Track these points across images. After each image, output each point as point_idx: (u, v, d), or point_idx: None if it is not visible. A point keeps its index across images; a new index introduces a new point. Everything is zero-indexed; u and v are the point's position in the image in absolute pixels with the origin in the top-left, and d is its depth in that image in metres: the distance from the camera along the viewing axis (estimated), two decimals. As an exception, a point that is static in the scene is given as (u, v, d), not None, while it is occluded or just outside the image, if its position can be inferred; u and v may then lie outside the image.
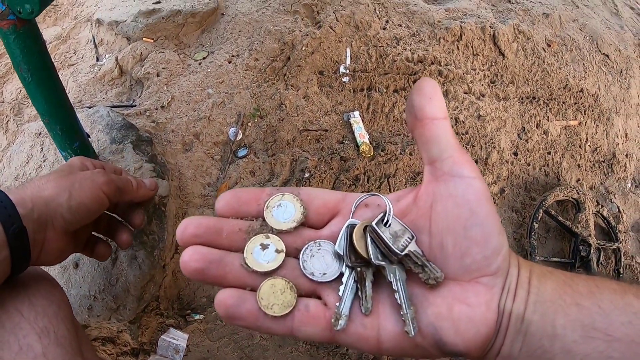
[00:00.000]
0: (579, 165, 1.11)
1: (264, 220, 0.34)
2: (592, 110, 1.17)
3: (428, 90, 0.32)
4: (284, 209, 0.34)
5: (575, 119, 1.14)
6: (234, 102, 1.05)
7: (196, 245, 0.32)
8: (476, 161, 0.99)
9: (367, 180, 0.92)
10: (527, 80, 1.11)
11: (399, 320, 0.31)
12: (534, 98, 1.10)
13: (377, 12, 1.12)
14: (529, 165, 1.03)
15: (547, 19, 1.27)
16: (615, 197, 1.14)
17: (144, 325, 0.86)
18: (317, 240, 0.34)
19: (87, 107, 1.18)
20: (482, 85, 1.05)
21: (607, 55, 1.29)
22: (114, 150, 0.91)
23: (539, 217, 0.97)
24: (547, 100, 1.11)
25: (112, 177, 0.51)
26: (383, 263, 0.32)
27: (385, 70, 1.01)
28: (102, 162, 0.56)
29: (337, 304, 0.31)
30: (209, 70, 1.12)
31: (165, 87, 1.13)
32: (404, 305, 0.31)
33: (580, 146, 1.12)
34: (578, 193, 1.04)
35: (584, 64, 1.22)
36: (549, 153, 1.07)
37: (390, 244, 0.32)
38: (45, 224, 0.45)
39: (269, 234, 0.33)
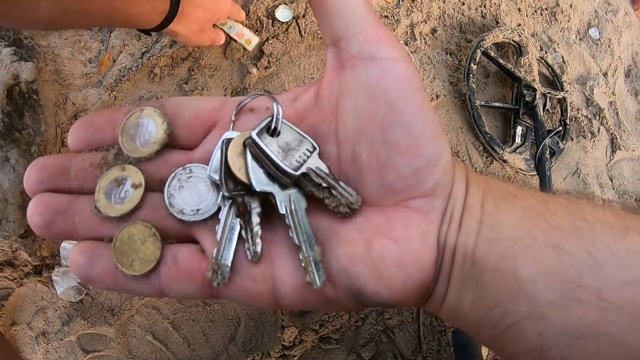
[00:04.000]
0: (519, 10, 0.99)
1: (120, 148, 0.26)
2: (533, -47, 1.04)
3: None
4: (143, 129, 0.26)
5: (514, -41, 1.01)
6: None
7: (41, 194, 0.24)
8: (402, -3, 0.85)
9: (272, 23, 0.77)
10: None
11: (299, 266, 0.22)
12: None
13: None
14: (463, 4, 0.91)
15: None
16: (558, 47, 1.04)
17: (39, 238, 0.73)
18: (187, 166, 0.25)
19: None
20: None
21: None
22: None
23: (477, 58, 0.85)
24: (482, -64, 0.97)
25: (234, 5, 0.70)
26: (269, 189, 0.23)
27: None
28: None
29: (214, 250, 0.23)
30: None
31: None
32: (304, 245, 0.22)
33: (520, -11, 1.00)
34: (520, 36, 0.93)
35: None
36: (486, -8, 0.94)
37: (278, 161, 0.23)
38: (196, 6, 0.60)
39: (126, 165, 0.25)
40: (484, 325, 0.21)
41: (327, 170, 0.24)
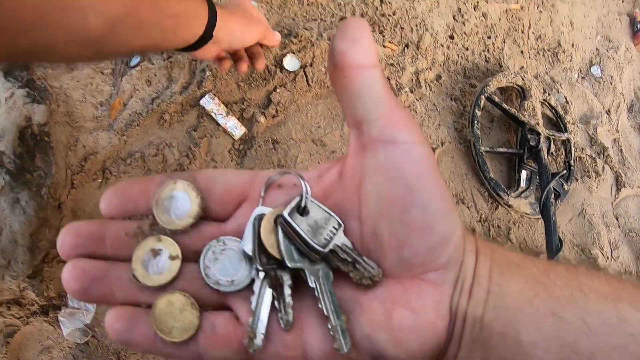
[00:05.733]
0: (522, 52, 1.00)
1: (154, 218, 0.27)
2: (535, -5, 1.06)
3: (353, 31, 0.24)
4: (177, 201, 0.27)
5: (517, 3, 1.02)
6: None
7: (77, 259, 0.26)
8: (407, 45, 0.86)
9: (280, 72, 0.78)
10: (462, -40, 0.98)
11: (327, 334, 0.25)
12: (469, -22, 0.98)
13: None
14: (467, 50, 0.92)
15: None
16: (561, 87, 1.05)
17: (47, 278, 0.74)
18: (221, 238, 0.27)
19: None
20: (410, -38, 0.92)
21: (549, -60, 1.18)
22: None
23: (482, 104, 0.86)
24: (485, -19, 0.99)
25: (267, 29, 0.63)
26: (300, 265, 0.26)
27: (295, -53, 0.86)
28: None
29: (250, 319, 0.25)
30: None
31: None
32: (331, 315, 0.25)
33: (523, 32, 1.01)
34: (523, 79, 0.94)
35: (524, -53, 1.10)
36: (489, 37, 0.95)
37: (308, 239, 0.25)
38: (216, 40, 0.55)
39: (161, 236, 0.27)
40: None
41: (351, 246, 0.25)
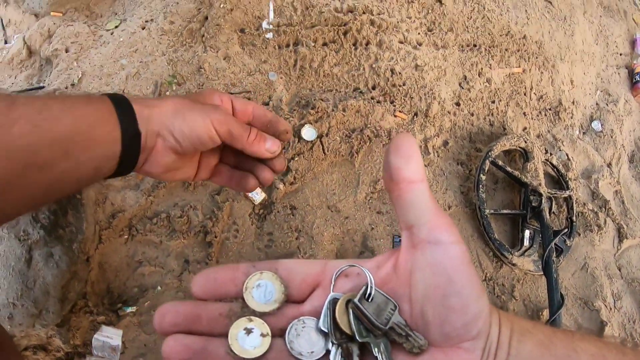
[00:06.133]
0: (524, 114, 1.06)
1: (244, 302, 0.33)
2: (536, 57, 1.13)
3: (405, 149, 0.31)
4: (263, 288, 0.34)
5: (519, 67, 1.09)
6: (149, 71, 0.94)
7: (176, 335, 0.31)
8: (416, 114, 0.93)
9: (298, 142, 0.84)
10: (467, 28, 1.05)
11: None
12: (474, 46, 1.04)
13: (302, -37, 1.02)
14: (472, 115, 0.98)
15: (486, -34, 1.21)
16: (563, 145, 1.11)
17: (74, 327, 0.80)
18: (301, 318, 0.34)
19: (-9, 93, 1.06)
20: (419, 33, 0.98)
21: (550, 2, 1.25)
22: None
23: (486, 168, 0.92)
24: (489, 47, 1.06)
25: (229, 119, 0.48)
26: (367, 339, 0.33)
27: (312, 22, 0.93)
28: (232, 96, 0.52)
29: None
30: (121, 39, 1.01)
31: (75, 63, 1.01)
32: None
33: (525, 94, 1.07)
34: (525, 142, 1.00)
35: (526, 10, 1.17)
36: (493, 102, 1.01)
37: (373, 320, 0.32)
38: (158, 135, 0.44)
39: (252, 317, 0.33)
40: None
41: (404, 323, 0.33)
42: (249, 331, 0.32)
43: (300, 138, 0.85)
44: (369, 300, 0.33)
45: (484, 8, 1.08)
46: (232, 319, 0.33)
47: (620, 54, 1.41)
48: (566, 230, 1.00)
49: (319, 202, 0.83)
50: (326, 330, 0.33)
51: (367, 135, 0.86)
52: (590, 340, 0.32)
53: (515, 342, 0.32)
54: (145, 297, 0.86)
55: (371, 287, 0.33)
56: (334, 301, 0.33)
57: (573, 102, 1.18)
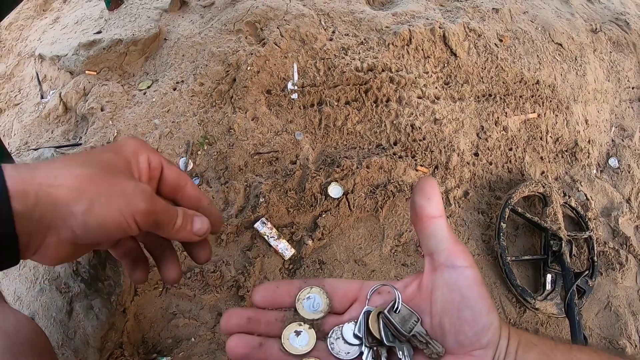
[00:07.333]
0: (542, 158, 1.09)
1: (295, 310, 0.42)
2: (550, 101, 1.16)
3: (428, 190, 0.38)
4: (312, 300, 0.42)
5: (534, 112, 1.12)
6: (181, 130, 1.00)
7: (239, 334, 0.40)
8: (436, 167, 0.97)
9: (325, 199, 0.89)
10: (482, 78, 1.09)
11: None
12: (490, 95, 1.09)
13: (323, 23, 1.09)
14: (491, 164, 1.01)
15: (497, 13, 1.26)
16: (581, 185, 1.13)
17: None
18: (341, 325, 0.41)
19: (33, 149, 1.13)
20: (436, 87, 1.03)
21: (561, 44, 1.29)
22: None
23: (506, 216, 0.95)
24: (504, 96, 1.10)
25: (156, 208, 0.38)
26: (394, 344, 0.39)
27: (334, 82, 0.98)
28: (162, 158, 0.42)
29: None
30: (154, 99, 1.08)
31: (110, 122, 1.08)
32: None
33: (541, 138, 1.11)
34: (544, 187, 1.02)
35: (538, 56, 1.21)
36: (511, 149, 1.05)
37: (399, 328, 0.39)
38: (48, 229, 0.34)
39: (302, 322, 0.41)
40: None
41: (425, 332, 0.39)
42: (298, 333, 0.41)
43: (327, 195, 0.90)
44: (397, 312, 0.40)
45: (497, 57, 1.12)
46: (285, 323, 0.41)
47: (633, 88, 1.43)
48: (587, 271, 1.01)
49: (346, 257, 0.87)
50: (360, 336, 0.40)
51: (391, 191, 0.91)
52: (586, 351, 0.38)
53: (521, 352, 0.37)
54: (180, 347, 0.90)
55: (399, 302, 0.40)
56: (368, 313, 0.41)
57: (589, 142, 1.20)
